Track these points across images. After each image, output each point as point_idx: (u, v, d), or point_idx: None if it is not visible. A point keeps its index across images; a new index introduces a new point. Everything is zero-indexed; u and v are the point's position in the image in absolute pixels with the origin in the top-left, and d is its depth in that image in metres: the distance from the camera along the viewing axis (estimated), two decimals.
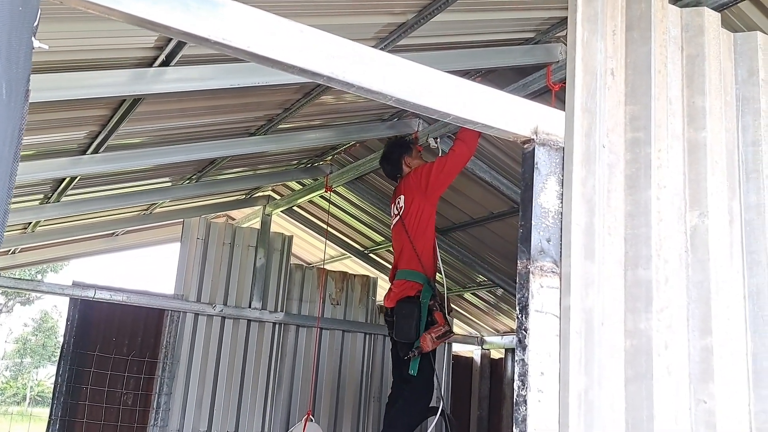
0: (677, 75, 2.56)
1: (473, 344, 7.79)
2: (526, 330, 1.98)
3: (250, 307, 6.33)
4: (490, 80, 4.62)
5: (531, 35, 4.07)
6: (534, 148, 2.15)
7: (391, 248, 5.92)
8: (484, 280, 6.97)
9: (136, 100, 3.30)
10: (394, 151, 4.64)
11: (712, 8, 2.76)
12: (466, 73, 4.39)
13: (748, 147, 2.66)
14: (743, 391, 2.26)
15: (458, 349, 7.80)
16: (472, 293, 7.44)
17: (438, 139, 4.73)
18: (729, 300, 2.37)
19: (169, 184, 5.67)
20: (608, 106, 2.35)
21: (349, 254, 7.60)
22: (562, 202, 2.17)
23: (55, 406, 5.56)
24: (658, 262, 2.23)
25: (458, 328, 8.04)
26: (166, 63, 2.89)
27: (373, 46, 3.80)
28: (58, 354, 5.94)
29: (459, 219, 6.26)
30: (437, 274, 4.47)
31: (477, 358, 7.77)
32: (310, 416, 5.67)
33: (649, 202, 2.29)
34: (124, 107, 3.37)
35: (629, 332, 2.16)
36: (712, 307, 2.29)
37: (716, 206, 2.46)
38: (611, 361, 2.11)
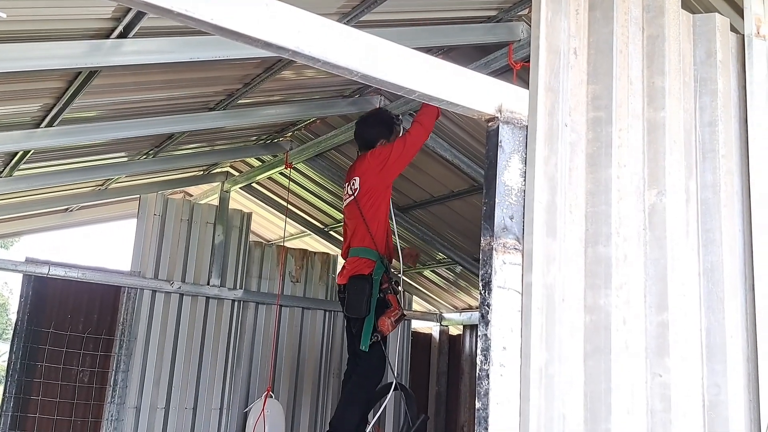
0: (638, 55, 2.60)
1: (432, 321, 7.87)
2: (488, 305, 2.01)
3: (208, 284, 6.27)
4: (452, 58, 4.61)
5: (493, 13, 4.07)
6: (498, 126, 2.16)
7: None
8: (444, 258, 7.03)
9: (92, 73, 3.21)
10: (378, 126, 4.57)
11: None
12: (428, 50, 4.37)
13: (705, 127, 2.73)
14: (697, 366, 2.34)
15: (417, 325, 7.87)
16: (431, 270, 7.49)
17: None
18: (684, 277, 2.43)
19: (126, 159, 5.55)
20: (571, 85, 2.38)
21: (308, 231, 7.58)
22: (525, 180, 2.20)
23: (9, 383, 5.44)
24: (618, 239, 2.28)
25: (417, 305, 8.11)
26: (123, 35, 2.81)
27: (336, 21, 3.78)
28: (11, 331, 5.80)
29: (419, 197, 6.29)
30: (396, 252, 4.48)
31: (435, 334, 7.86)
32: (270, 392, 5.67)
33: (609, 181, 2.33)
34: (79, 80, 3.28)
35: (589, 308, 2.21)
36: (669, 284, 2.35)
37: (674, 185, 2.52)
38: (571, 336, 2.16)
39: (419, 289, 7.95)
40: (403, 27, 4.01)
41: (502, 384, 2.03)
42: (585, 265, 2.25)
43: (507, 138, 2.18)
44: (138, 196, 6.32)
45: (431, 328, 7.92)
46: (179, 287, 6.08)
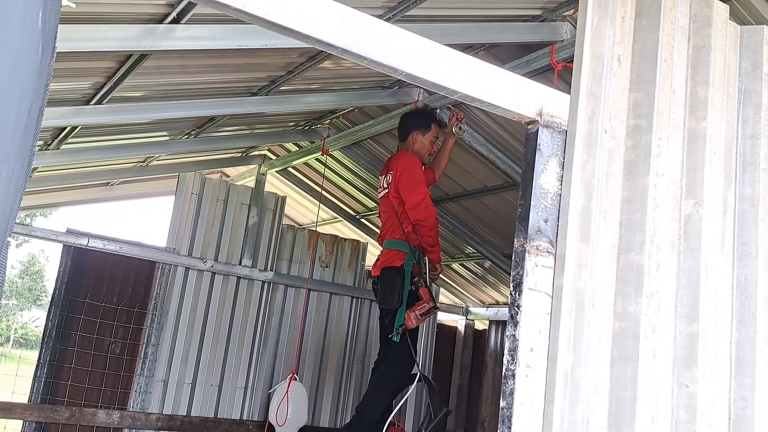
0: (682, 65, 2.59)
1: (458, 314, 7.91)
2: (518, 307, 2.04)
3: (240, 264, 6.38)
4: (494, 55, 4.62)
5: (538, 12, 4.07)
6: (538, 130, 2.19)
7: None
8: (473, 252, 7.05)
9: (143, 55, 3.29)
10: (415, 118, 4.62)
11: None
12: (469, 47, 4.40)
13: (747, 139, 2.71)
14: (725, 378, 2.35)
15: (443, 318, 7.91)
16: (460, 264, 7.52)
17: (463, 130, 4.70)
18: (717, 289, 2.44)
19: (167, 138, 5.67)
20: (613, 92, 2.39)
21: (341, 218, 7.65)
22: (561, 184, 2.22)
23: (44, 349, 5.62)
24: (651, 248, 2.29)
25: (444, 297, 8.15)
26: (176, 20, 2.88)
27: (380, 15, 3.81)
28: (49, 299, 5.97)
29: (452, 190, 6.31)
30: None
31: (461, 328, 7.89)
32: (295, 375, 5.77)
33: (646, 189, 2.34)
34: (131, 61, 3.37)
35: (618, 314, 2.23)
36: (701, 295, 2.36)
37: (711, 196, 2.52)
38: (599, 341, 2.18)
39: (447, 282, 7.98)
40: (448, 23, 4.03)
41: (528, 385, 2.07)
42: (617, 271, 2.26)
43: (546, 141, 2.20)
44: (177, 174, 6.45)
45: (457, 321, 7.96)
46: (212, 266, 6.20)
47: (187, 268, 6.14)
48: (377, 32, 1.95)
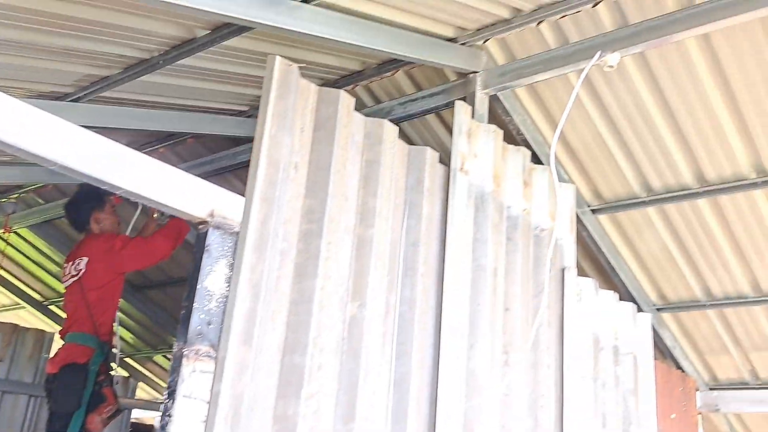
0: (355, 176, 2.81)
1: (157, 411, 7.43)
2: (170, 416, 1.95)
3: None
4: (203, 143, 4.64)
5: (245, 108, 4.19)
6: (208, 231, 2.18)
7: None
8: None
9: None
10: (84, 202, 4.29)
11: (392, 120, 3.10)
12: (171, 135, 4.36)
13: (409, 246, 3.00)
14: None
15: (140, 414, 7.37)
16: (162, 355, 7.15)
17: (165, 216, 4.48)
18: (375, 387, 2.59)
19: None
20: (288, 197, 2.49)
21: (24, 304, 6.86)
22: (229, 286, 2.22)
23: None
24: (314, 349, 2.37)
25: (144, 392, 7.63)
26: None
27: (71, 92, 3.61)
28: None
29: (156, 277, 6.05)
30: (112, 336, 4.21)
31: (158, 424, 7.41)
32: None
33: (313, 291, 2.44)
34: None
35: (278, 417, 2.24)
36: (359, 394, 2.49)
37: (375, 298, 2.71)
38: None
39: (147, 376, 7.50)
40: (150, 108, 3.96)
41: None
42: (280, 373, 2.29)
43: (216, 243, 2.20)
44: None
45: (155, 418, 7.47)
46: None
47: None
48: (27, 118, 1.81)
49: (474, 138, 3.45)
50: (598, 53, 3.26)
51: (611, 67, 3.27)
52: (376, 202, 2.82)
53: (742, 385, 5.03)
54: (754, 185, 3.87)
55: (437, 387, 2.79)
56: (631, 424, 3.98)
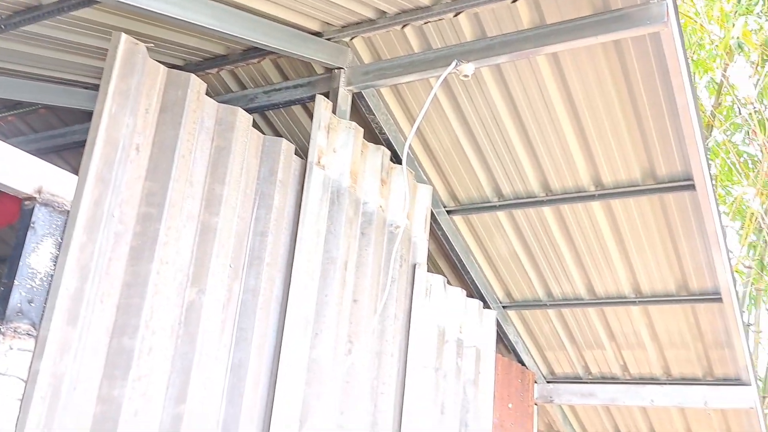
0: (203, 162, 2.81)
1: None
2: None
3: None
4: (56, 115, 4.46)
5: (99, 82, 4.06)
6: (34, 207, 2.13)
7: None
8: None
9: None
10: None
11: (255, 109, 3.12)
12: (19, 103, 4.17)
13: (257, 236, 3.04)
14: None
15: None
16: None
17: None
18: (211, 371, 2.62)
19: None
20: (127, 178, 2.46)
21: None
22: (55, 265, 2.18)
23: None
24: (146, 332, 2.38)
25: None
26: None
27: None
28: None
29: None
30: None
31: None
32: None
33: (148, 275, 2.44)
34: None
35: (102, 398, 2.23)
36: (192, 377, 2.51)
37: (216, 285, 2.73)
38: (76, 426, 2.15)
39: None
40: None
41: None
42: (107, 355, 2.28)
43: (42, 220, 2.16)
44: None
45: None
46: None
47: None
48: None
49: (334, 133, 3.54)
50: (455, 62, 3.41)
51: (466, 76, 3.43)
52: (224, 190, 2.83)
53: (576, 379, 5.43)
54: (592, 197, 4.18)
55: (277, 373, 2.85)
56: (469, 411, 4.22)
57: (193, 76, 2.69)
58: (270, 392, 2.88)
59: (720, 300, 4.39)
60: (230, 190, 2.86)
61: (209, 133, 2.84)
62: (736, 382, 4.87)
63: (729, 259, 4.17)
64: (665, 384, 5.10)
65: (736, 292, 4.40)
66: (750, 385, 4.78)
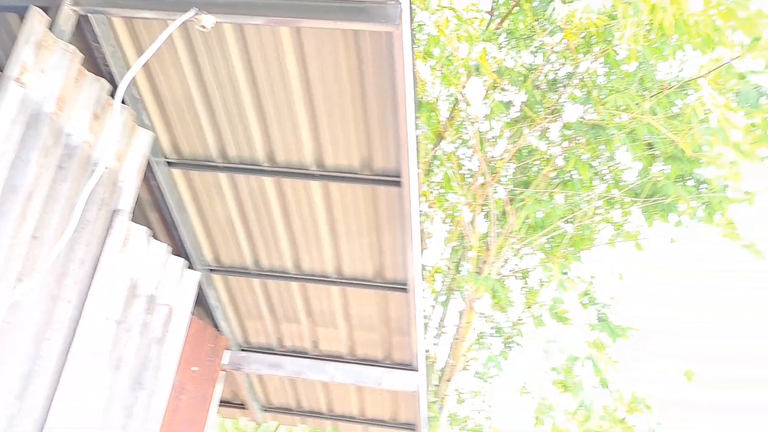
0: None
1: None
2: None
3: None
4: None
5: None
6: None
7: None
8: None
9: None
10: None
11: None
12: None
13: None
14: None
15: None
16: None
17: None
18: None
19: None
20: None
21: None
22: None
23: None
24: None
25: None
26: None
27: None
28: None
29: None
30: None
31: None
32: None
33: None
34: None
35: None
36: None
37: None
38: None
39: None
40: None
41: None
42: None
43: None
44: None
45: None
46: None
47: None
48: None
49: (46, 52, 3.20)
50: (194, 10, 3.28)
51: (204, 27, 3.31)
52: None
53: (268, 350, 5.57)
54: (312, 176, 4.30)
55: None
56: (148, 370, 4.10)
57: None
58: None
59: (407, 290, 4.78)
60: None
61: None
62: (408, 367, 5.37)
63: (420, 256, 4.57)
64: (348, 363, 5.45)
65: (422, 287, 4.83)
66: (418, 371, 5.29)
